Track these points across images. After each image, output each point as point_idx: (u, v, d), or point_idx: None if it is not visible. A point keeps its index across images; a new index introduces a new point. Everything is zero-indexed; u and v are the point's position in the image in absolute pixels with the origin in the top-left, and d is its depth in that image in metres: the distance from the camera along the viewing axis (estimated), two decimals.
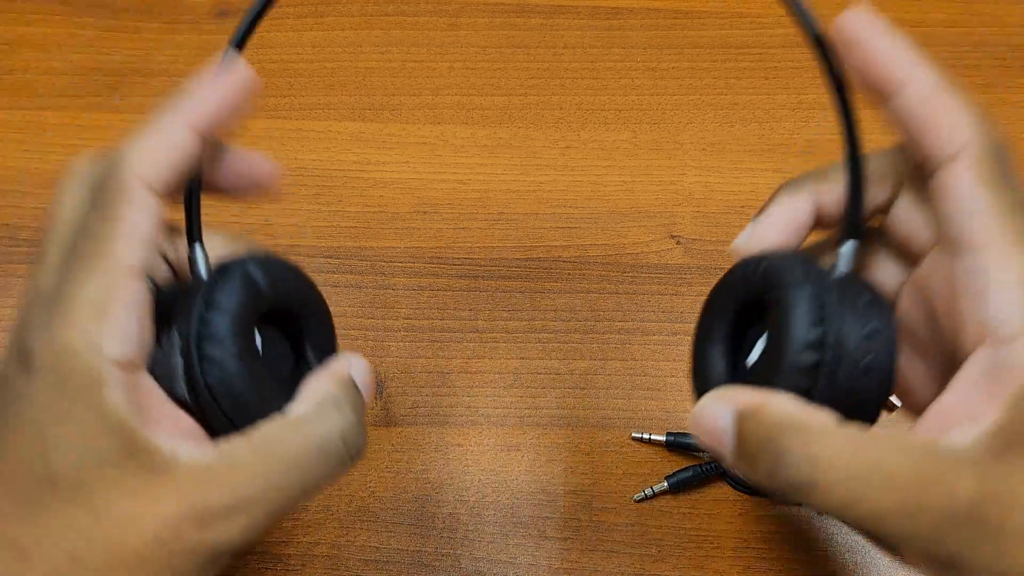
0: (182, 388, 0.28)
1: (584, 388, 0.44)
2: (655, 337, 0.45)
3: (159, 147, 0.26)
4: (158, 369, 0.27)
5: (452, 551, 0.40)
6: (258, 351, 0.29)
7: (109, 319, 0.25)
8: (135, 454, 0.24)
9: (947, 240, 0.26)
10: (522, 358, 0.45)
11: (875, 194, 0.29)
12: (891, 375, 0.27)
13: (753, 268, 0.29)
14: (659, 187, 0.50)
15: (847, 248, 0.28)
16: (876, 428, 0.25)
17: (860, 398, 0.27)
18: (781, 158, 0.52)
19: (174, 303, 0.28)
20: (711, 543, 0.40)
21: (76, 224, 0.26)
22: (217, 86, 0.27)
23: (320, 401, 0.28)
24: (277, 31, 0.56)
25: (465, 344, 0.45)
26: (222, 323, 0.28)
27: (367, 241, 0.48)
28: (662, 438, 0.42)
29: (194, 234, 0.29)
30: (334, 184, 0.50)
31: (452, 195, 0.50)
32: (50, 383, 0.24)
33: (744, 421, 0.25)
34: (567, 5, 0.58)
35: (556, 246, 0.48)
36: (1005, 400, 0.23)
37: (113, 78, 0.54)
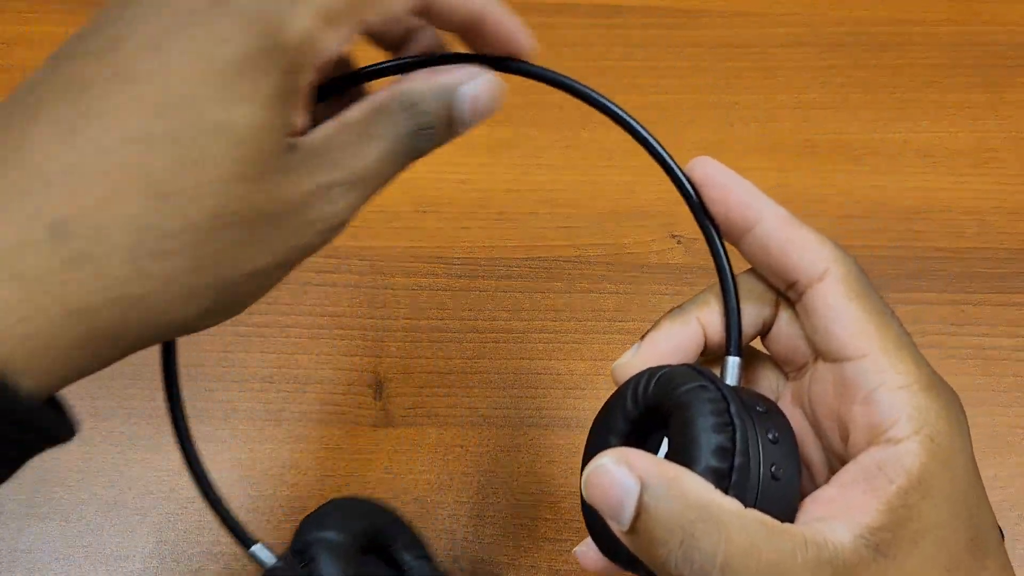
0: None
1: (585, 388, 0.44)
2: None
3: None
4: None
5: (452, 552, 0.40)
6: None
7: None
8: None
9: (827, 352, 0.28)
10: (522, 358, 0.45)
11: (758, 313, 0.30)
12: (797, 482, 0.27)
13: (648, 378, 0.29)
14: (660, 187, 0.50)
15: (732, 362, 0.29)
16: (774, 521, 0.26)
17: (770, 506, 0.27)
18: (782, 157, 0.51)
19: None
20: None
21: None
22: None
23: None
24: None
25: (465, 344, 0.45)
26: None
27: (367, 241, 0.48)
28: None
29: (247, 540, 0.32)
30: None
31: (452, 194, 0.50)
32: None
33: (652, 494, 0.24)
34: (568, 3, 0.57)
35: (556, 246, 0.48)
36: (884, 500, 0.25)
37: None
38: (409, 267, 0.47)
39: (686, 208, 0.54)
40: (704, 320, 0.30)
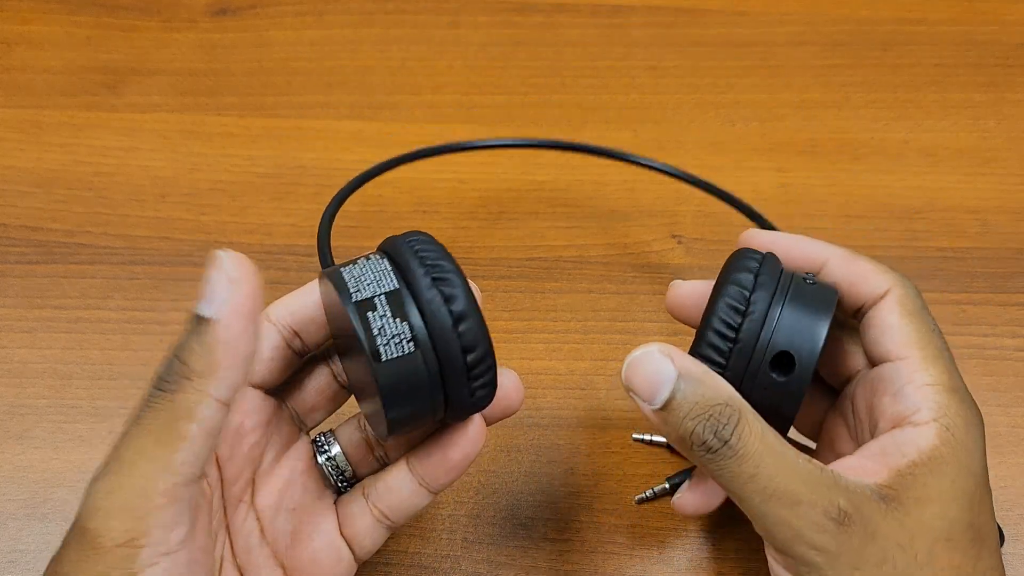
0: (403, 331, 0.29)
1: (585, 388, 0.44)
2: (657, 337, 0.45)
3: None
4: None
5: (452, 553, 0.40)
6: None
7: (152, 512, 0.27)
8: None
9: (875, 356, 0.32)
10: (522, 358, 0.45)
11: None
12: (813, 363, 0.30)
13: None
14: (660, 186, 0.50)
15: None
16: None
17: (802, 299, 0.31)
18: (783, 157, 0.51)
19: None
20: (713, 544, 0.40)
21: None
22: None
23: None
24: (276, 29, 0.56)
25: None
26: (448, 264, 0.31)
27: (367, 241, 0.48)
28: (663, 439, 0.42)
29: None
30: (333, 183, 0.50)
31: (452, 194, 0.50)
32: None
33: (689, 382, 0.29)
34: (568, 3, 0.57)
35: (557, 245, 0.48)
36: (894, 468, 0.29)
37: (110, 77, 0.54)
38: None
39: (687, 207, 0.54)
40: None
